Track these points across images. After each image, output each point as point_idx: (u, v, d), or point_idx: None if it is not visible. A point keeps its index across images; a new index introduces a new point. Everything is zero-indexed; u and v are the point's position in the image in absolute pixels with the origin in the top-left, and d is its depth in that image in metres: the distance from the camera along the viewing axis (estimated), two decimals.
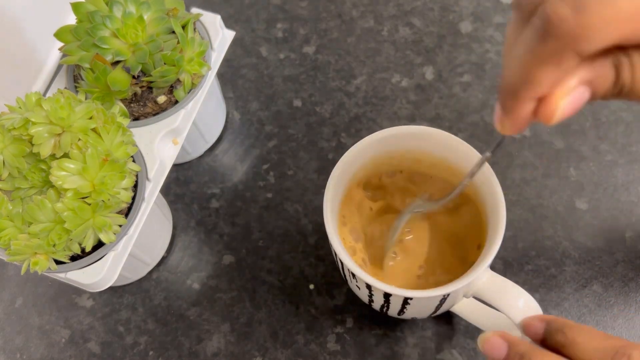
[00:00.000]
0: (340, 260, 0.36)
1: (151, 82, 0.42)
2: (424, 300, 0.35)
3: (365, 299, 0.40)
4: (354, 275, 0.36)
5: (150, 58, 0.41)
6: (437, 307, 0.38)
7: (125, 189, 0.38)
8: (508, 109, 0.23)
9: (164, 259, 0.49)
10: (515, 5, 0.22)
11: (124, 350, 0.46)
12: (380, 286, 0.35)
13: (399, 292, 0.34)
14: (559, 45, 0.20)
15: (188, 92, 0.44)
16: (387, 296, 0.36)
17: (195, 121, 0.46)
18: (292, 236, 0.49)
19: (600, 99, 0.22)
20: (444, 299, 0.36)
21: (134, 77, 0.42)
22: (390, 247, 0.41)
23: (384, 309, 0.39)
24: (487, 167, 0.37)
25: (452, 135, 0.39)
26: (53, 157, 0.37)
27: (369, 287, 0.36)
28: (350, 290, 0.46)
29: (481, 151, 0.37)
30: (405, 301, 0.36)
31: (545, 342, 0.30)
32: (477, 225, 0.40)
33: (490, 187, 0.37)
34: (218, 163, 0.53)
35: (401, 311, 0.38)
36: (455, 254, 0.41)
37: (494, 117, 0.24)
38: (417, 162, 0.42)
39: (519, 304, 0.35)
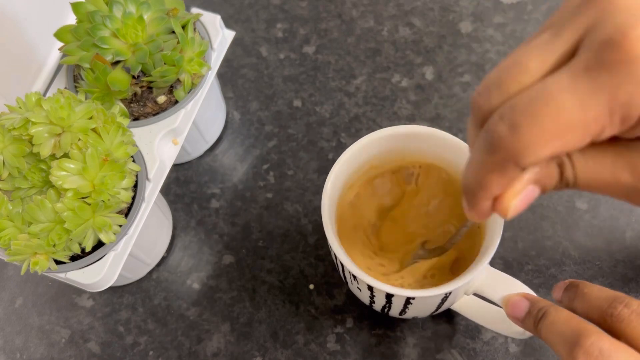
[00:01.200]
0: (341, 263, 0.36)
1: (151, 82, 0.42)
2: (425, 299, 0.35)
3: (367, 301, 0.40)
4: (354, 277, 0.36)
5: (150, 58, 0.40)
6: (439, 306, 0.38)
7: (125, 189, 0.38)
8: (470, 204, 0.26)
9: (164, 259, 0.49)
10: (472, 110, 0.25)
11: (124, 350, 0.46)
12: (382, 287, 0.34)
13: (401, 292, 0.34)
14: (501, 159, 0.23)
15: (188, 92, 0.44)
16: (389, 297, 0.36)
17: (195, 121, 0.46)
18: (292, 236, 0.49)
19: (553, 191, 0.25)
20: (445, 297, 0.36)
21: (134, 77, 0.42)
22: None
23: (386, 310, 0.39)
24: None
25: (452, 136, 0.39)
26: (53, 157, 0.37)
27: (370, 288, 0.36)
28: (350, 290, 0.46)
29: None
30: (408, 301, 0.36)
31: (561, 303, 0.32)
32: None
33: None
34: (218, 163, 0.53)
35: (403, 311, 0.38)
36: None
37: (464, 206, 0.27)
38: (414, 161, 0.42)
39: None
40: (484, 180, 0.24)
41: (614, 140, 0.23)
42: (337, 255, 0.36)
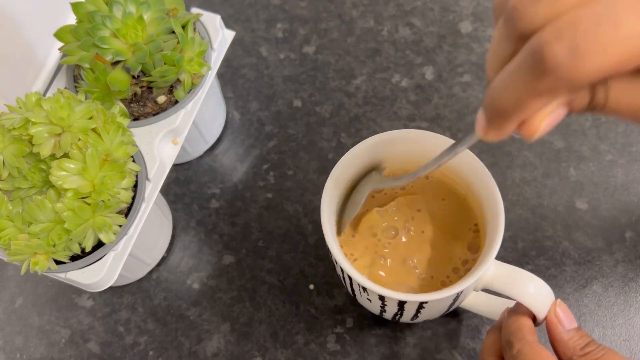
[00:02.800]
0: (349, 276, 0.35)
1: (151, 82, 0.42)
2: (438, 302, 0.35)
3: (377, 311, 0.39)
4: (364, 289, 0.36)
5: (150, 58, 0.40)
6: (450, 306, 0.38)
7: (125, 189, 0.38)
8: (496, 126, 0.24)
9: (164, 259, 0.49)
10: (508, 17, 0.22)
11: (124, 350, 0.46)
12: (394, 295, 0.34)
13: (413, 298, 0.34)
14: (553, 84, 0.20)
15: (188, 92, 0.44)
16: (401, 304, 0.35)
17: (195, 121, 0.46)
18: (292, 236, 0.49)
19: (575, 114, 0.24)
20: (457, 297, 0.36)
21: (134, 77, 0.42)
22: (347, 221, 0.40)
23: (397, 317, 0.39)
24: (476, 161, 0.37)
25: (451, 140, 0.38)
26: (53, 157, 0.37)
27: (381, 298, 0.35)
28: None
29: (479, 151, 0.37)
30: (420, 306, 0.35)
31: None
32: (467, 212, 0.40)
33: (483, 180, 0.37)
34: (218, 163, 0.53)
35: (415, 316, 0.38)
36: (447, 244, 0.41)
37: (476, 124, 0.25)
38: (415, 164, 0.41)
39: (530, 290, 0.35)
40: (525, 103, 0.22)
41: None
42: (343, 269, 0.35)
